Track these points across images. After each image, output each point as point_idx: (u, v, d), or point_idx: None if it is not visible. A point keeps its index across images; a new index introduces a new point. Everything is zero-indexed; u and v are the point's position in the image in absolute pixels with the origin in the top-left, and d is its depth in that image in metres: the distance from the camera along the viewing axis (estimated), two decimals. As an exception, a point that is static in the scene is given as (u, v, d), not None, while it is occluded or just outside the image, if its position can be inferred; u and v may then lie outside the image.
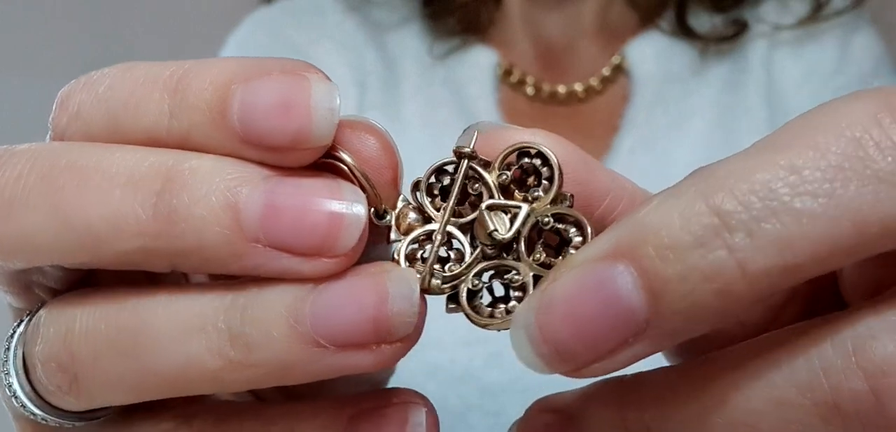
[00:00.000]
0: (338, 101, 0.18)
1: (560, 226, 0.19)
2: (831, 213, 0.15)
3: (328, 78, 0.18)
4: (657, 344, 0.16)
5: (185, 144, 0.18)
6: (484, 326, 0.18)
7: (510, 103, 0.59)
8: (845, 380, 0.15)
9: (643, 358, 0.16)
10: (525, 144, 0.19)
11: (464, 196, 0.19)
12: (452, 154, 0.20)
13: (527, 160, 0.19)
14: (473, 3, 0.59)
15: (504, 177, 0.19)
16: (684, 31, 0.58)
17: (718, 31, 0.58)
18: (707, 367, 0.17)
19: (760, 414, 0.16)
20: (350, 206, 0.17)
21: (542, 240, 0.19)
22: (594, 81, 0.59)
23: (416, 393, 0.20)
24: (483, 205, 0.19)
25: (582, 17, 0.60)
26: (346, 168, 0.18)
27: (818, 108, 0.16)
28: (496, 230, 0.18)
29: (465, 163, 0.19)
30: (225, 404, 0.21)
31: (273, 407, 0.20)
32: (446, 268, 0.19)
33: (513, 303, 0.18)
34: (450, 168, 0.20)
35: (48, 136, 0.20)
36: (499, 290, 0.19)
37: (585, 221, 0.18)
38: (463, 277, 0.19)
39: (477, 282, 0.19)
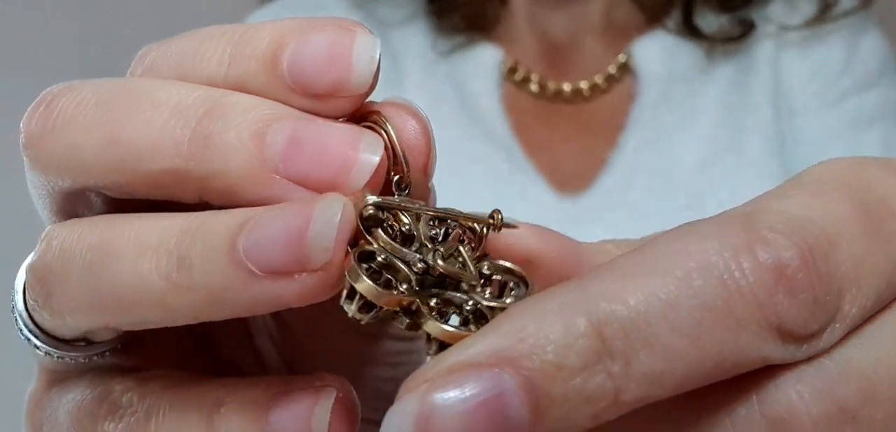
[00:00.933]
0: (378, 53, 0.19)
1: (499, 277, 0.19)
2: (698, 354, 0.15)
3: (371, 32, 0.19)
4: None
5: (239, 90, 0.19)
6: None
7: (514, 101, 0.59)
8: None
9: None
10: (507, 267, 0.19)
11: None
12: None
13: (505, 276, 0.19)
14: (479, 1, 0.59)
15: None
16: (690, 30, 0.58)
17: (725, 31, 0.58)
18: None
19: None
20: (365, 152, 0.18)
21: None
22: (599, 80, 0.59)
23: (339, 379, 0.20)
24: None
25: (588, 16, 0.60)
26: (384, 135, 0.19)
27: (689, 230, 0.16)
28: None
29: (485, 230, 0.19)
30: (184, 373, 0.21)
31: (215, 380, 0.20)
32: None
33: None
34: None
35: None
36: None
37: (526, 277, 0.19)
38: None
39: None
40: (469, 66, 0.59)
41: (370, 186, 0.18)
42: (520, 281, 0.19)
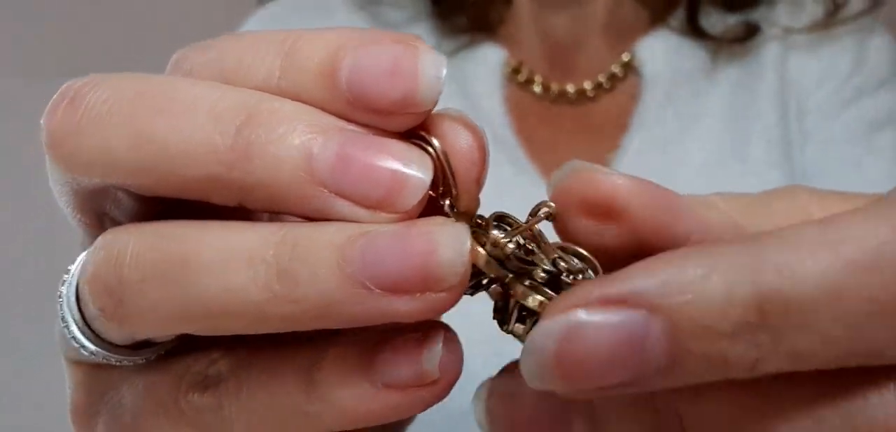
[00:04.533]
0: (444, 71, 0.18)
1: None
2: (853, 346, 0.15)
3: (434, 49, 0.19)
4: (650, 389, 0.16)
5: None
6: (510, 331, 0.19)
7: (517, 101, 0.58)
8: None
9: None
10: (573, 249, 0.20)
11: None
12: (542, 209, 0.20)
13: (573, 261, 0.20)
14: (483, 2, 0.59)
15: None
16: (695, 30, 0.57)
17: (730, 32, 0.57)
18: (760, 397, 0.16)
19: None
20: (414, 171, 0.18)
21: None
22: (603, 79, 0.58)
23: (440, 323, 0.20)
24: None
25: (591, 16, 0.59)
26: (432, 151, 0.19)
27: (880, 214, 0.16)
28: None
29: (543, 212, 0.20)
30: (266, 339, 0.21)
31: (303, 341, 0.20)
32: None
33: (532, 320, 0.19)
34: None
35: None
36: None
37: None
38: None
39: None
40: (472, 67, 0.58)
41: (421, 203, 0.18)
42: (590, 266, 0.19)
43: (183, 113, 0.18)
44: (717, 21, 0.58)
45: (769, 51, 0.57)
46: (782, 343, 0.15)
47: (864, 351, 0.15)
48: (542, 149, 0.56)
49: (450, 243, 0.17)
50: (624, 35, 0.59)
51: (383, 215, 0.18)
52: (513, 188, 0.54)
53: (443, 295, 0.18)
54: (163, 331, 0.20)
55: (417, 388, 0.19)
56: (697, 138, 0.56)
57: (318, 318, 0.18)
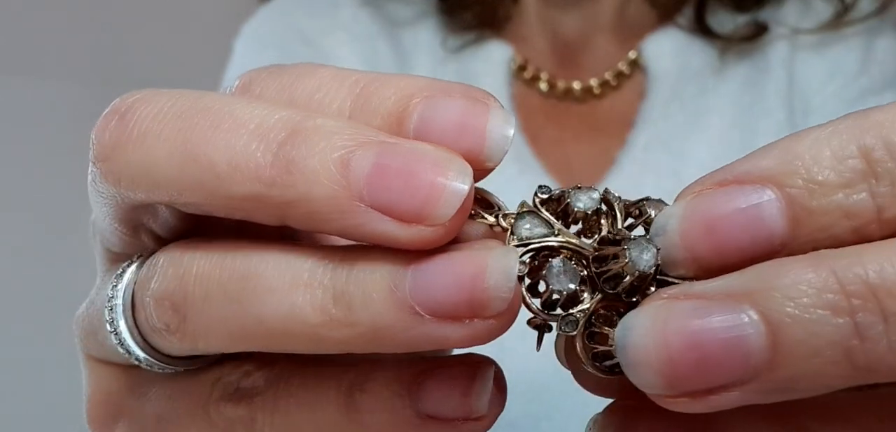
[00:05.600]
0: (512, 131, 0.19)
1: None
2: None
3: (503, 107, 0.19)
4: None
5: None
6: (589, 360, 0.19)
7: (523, 99, 0.58)
8: None
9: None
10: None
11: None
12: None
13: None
14: None
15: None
16: (703, 28, 0.57)
17: (738, 32, 0.57)
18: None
19: None
20: (453, 179, 0.18)
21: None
22: (609, 76, 0.58)
23: (483, 356, 0.20)
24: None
25: (599, 14, 0.59)
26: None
27: None
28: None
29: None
30: (310, 357, 0.21)
31: (349, 362, 0.20)
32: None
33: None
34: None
35: None
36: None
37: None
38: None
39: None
40: (478, 64, 0.58)
41: (460, 214, 0.18)
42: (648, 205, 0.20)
43: (230, 130, 0.18)
44: (725, 20, 0.58)
45: (777, 50, 0.57)
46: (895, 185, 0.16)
47: None
48: (547, 146, 0.56)
49: (498, 268, 0.17)
50: (631, 33, 0.59)
51: (422, 229, 0.18)
52: (518, 185, 0.54)
53: (490, 322, 0.18)
54: (222, 349, 0.20)
55: (462, 422, 0.19)
56: (704, 135, 0.55)
57: (371, 342, 0.18)
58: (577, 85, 0.58)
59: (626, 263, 0.18)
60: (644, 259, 0.18)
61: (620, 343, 0.17)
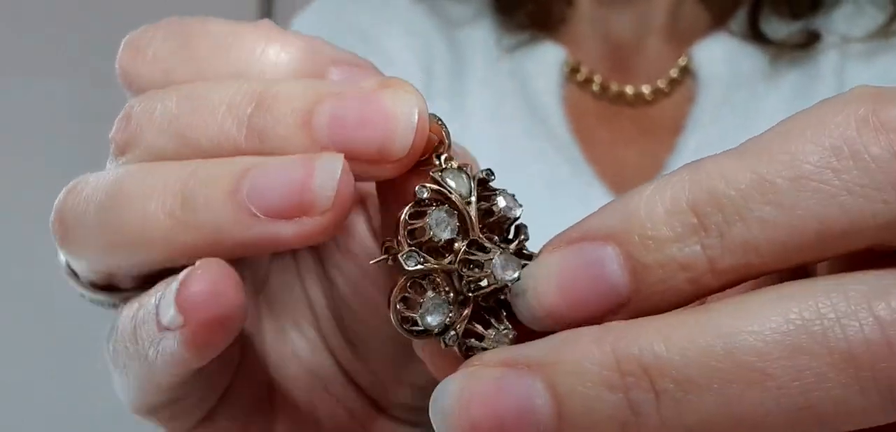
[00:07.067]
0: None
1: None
2: (795, 222, 0.17)
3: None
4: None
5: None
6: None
7: (575, 101, 0.59)
8: (861, 330, 0.16)
9: None
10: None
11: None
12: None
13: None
14: (545, 0, 0.60)
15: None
16: (755, 35, 0.58)
17: (791, 38, 0.57)
18: (713, 311, 0.17)
19: (771, 357, 0.16)
20: (404, 115, 0.20)
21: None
22: (662, 83, 0.59)
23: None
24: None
25: (653, 16, 0.60)
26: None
27: (803, 113, 0.18)
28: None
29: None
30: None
31: None
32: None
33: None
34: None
35: None
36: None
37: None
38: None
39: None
40: (532, 65, 0.59)
41: (416, 147, 0.20)
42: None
43: (207, 113, 0.21)
44: (778, 27, 0.58)
45: (828, 58, 0.57)
46: (729, 236, 0.17)
47: (813, 228, 0.16)
48: (598, 150, 0.57)
49: (325, 168, 0.19)
50: (683, 37, 0.60)
51: (387, 167, 0.20)
52: (569, 188, 0.55)
53: (317, 219, 0.20)
54: (102, 262, 0.22)
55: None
56: None
57: (216, 243, 0.20)
58: (629, 89, 0.59)
59: (490, 274, 0.19)
60: (506, 276, 0.19)
61: (432, 407, 0.18)
